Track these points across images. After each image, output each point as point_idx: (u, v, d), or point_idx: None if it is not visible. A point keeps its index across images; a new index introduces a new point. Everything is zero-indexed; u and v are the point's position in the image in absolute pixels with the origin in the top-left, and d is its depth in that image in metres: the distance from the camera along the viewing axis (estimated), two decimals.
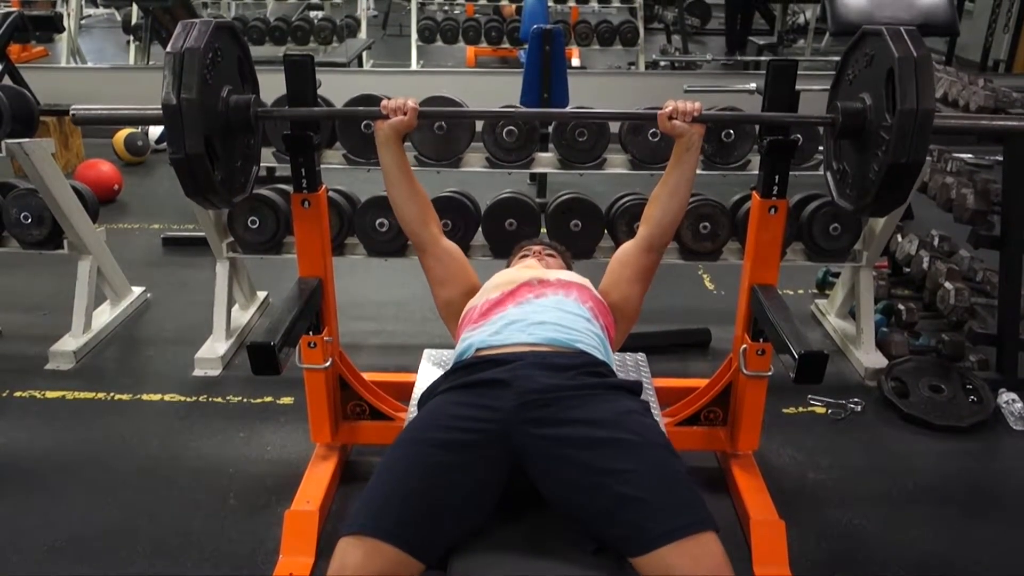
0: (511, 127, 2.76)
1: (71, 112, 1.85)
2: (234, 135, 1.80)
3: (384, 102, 1.93)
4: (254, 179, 1.97)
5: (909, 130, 1.56)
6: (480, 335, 1.82)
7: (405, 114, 1.91)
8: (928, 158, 2.77)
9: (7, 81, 4.79)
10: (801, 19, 9.16)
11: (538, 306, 1.87)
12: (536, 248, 2.28)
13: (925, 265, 3.24)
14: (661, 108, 1.89)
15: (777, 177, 1.97)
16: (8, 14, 4.88)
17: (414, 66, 7.62)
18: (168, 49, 1.61)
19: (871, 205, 1.74)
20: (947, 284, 3.07)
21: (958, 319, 3.07)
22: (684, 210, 2.04)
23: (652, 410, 2.00)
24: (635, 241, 2.08)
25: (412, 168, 2.78)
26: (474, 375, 1.69)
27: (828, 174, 1.96)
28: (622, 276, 2.07)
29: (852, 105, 1.75)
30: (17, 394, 2.84)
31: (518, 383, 1.60)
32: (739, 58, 7.72)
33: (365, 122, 2.72)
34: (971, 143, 2.90)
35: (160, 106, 1.60)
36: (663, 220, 2.01)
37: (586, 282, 2.06)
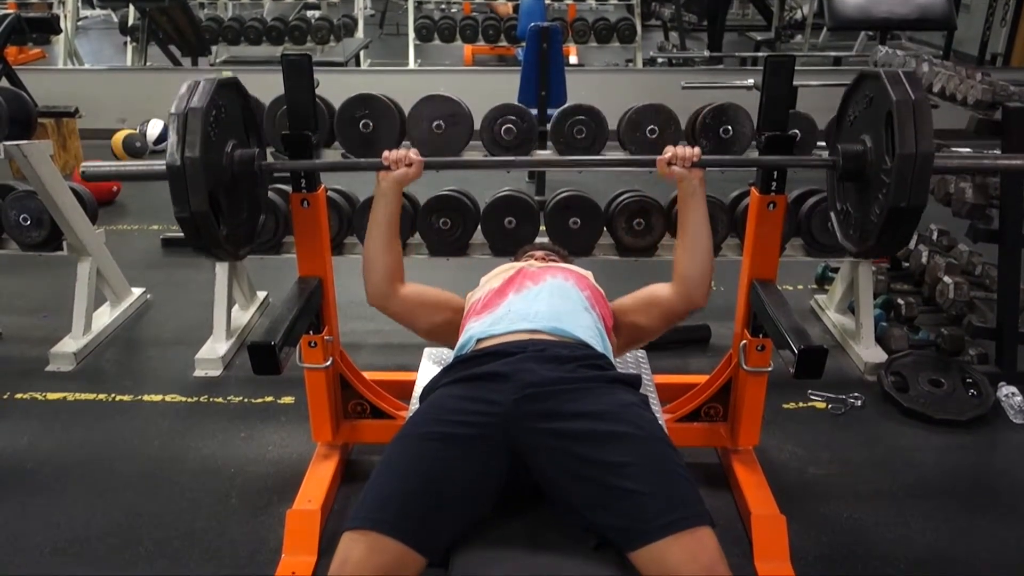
0: (509, 125, 2.76)
1: (81, 170, 1.86)
2: (239, 189, 1.81)
3: (386, 154, 1.91)
4: (261, 228, 1.98)
5: (909, 174, 1.56)
6: (481, 325, 1.84)
7: (409, 165, 1.90)
8: None
9: (4, 83, 4.80)
10: (799, 14, 9.15)
11: (536, 292, 1.90)
12: (539, 254, 2.30)
13: (924, 259, 3.24)
14: (660, 154, 1.89)
15: (776, 173, 1.97)
16: (5, 16, 4.88)
17: (411, 65, 7.62)
18: (172, 110, 1.63)
19: (874, 248, 1.75)
20: (946, 278, 3.08)
21: (957, 313, 3.07)
22: (712, 257, 1.93)
23: (652, 405, 2.01)
24: (673, 290, 1.97)
25: None
26: (474, 368, 1.69)
27: (832, 214, 1.97)
28: (648, 311, 2.01)
29: (853, 148, 1.76)
30: (18, 396, 2.84)
31: (518, 376, 1.61)
32: (720, 54, 7.71)
33: (364, 121, 2.72)
34: (969, 137, 2.89)
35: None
36: (694, 275, 1.91)
37: (586, 273, 2.07)
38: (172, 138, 1.60)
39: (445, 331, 2.04)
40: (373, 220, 1.97)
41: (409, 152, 1.91)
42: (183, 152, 1.59)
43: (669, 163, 1.87)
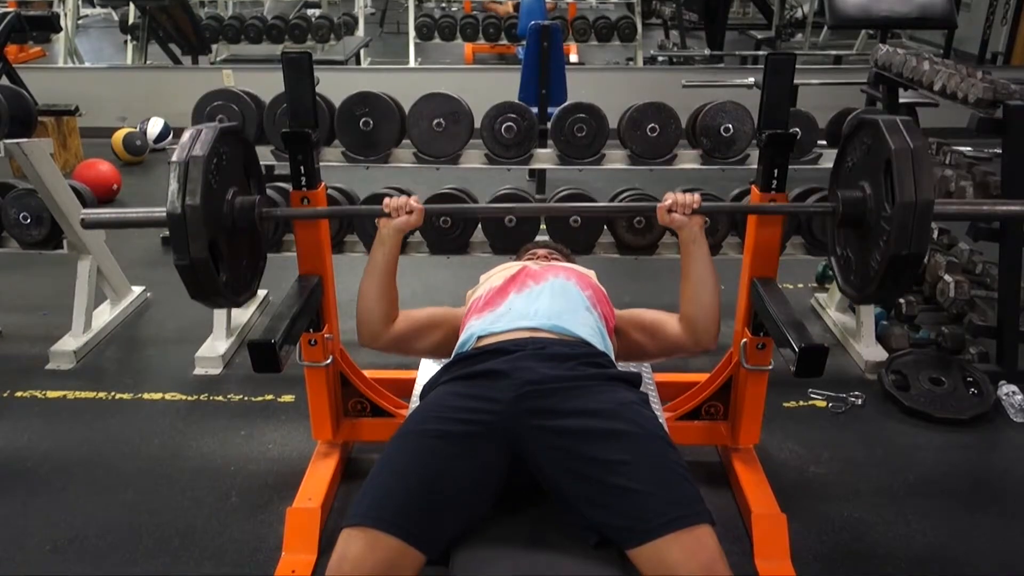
0: (510, 123, 2.76)
1: (81, 218, 1.86)
2: (239, 236, 1.81)
3: (387, 201, 1.90)
4: (260, 275, 1.98)
5: (909, 222, 1.56)
6: (482, 323, 1.84)
7: (410, 213, 1.89)
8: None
9: (5, 81, 4.80)
10: (799, 13, 9.15)
11: (538, 291, 1.90)
12: (541, 252, 2.29)
13: (925, 258, 3.24)
14: (660, 201, 1.87)
15: (776, 171, 1.97)
16: (5, 14, 4.88)
17: (412, 63, 7.61)
18: (174, 158, 1.62)
19: (874, 295, 1.75)
20: (947, 277, 3.07)
21: (958, 312, 3.07)
22: (718, 301, 1.90)
23: (652, 404, 2.01)
24: (681, 329, 1.95)
25: (412, 166, 2.82)
26: (474, 366, 1.70)
27: (832, 259, 1.96)
28: (654, 337, 2.00)
29: (852, 194, 1.75)
30: (18, 394, 2.84)
31: (517, 374, 1.61)
32: (721, 53, 7.71)
33: (364, 119, 2.72)
34: (969, 136, 2.89)
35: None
36: (701, 319, 1.89)
37: (589, 273, 2.07)
38: (173, 185, 1.60)
39: (443, 348, 2.04)
40: (372, 265, 1.95)
41: (410, 200, 1.89)
42: (183, 200, 1.59)
43: (669, 210, 1.85)
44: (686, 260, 1.90)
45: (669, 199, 1.86)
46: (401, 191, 2.92)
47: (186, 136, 1.67)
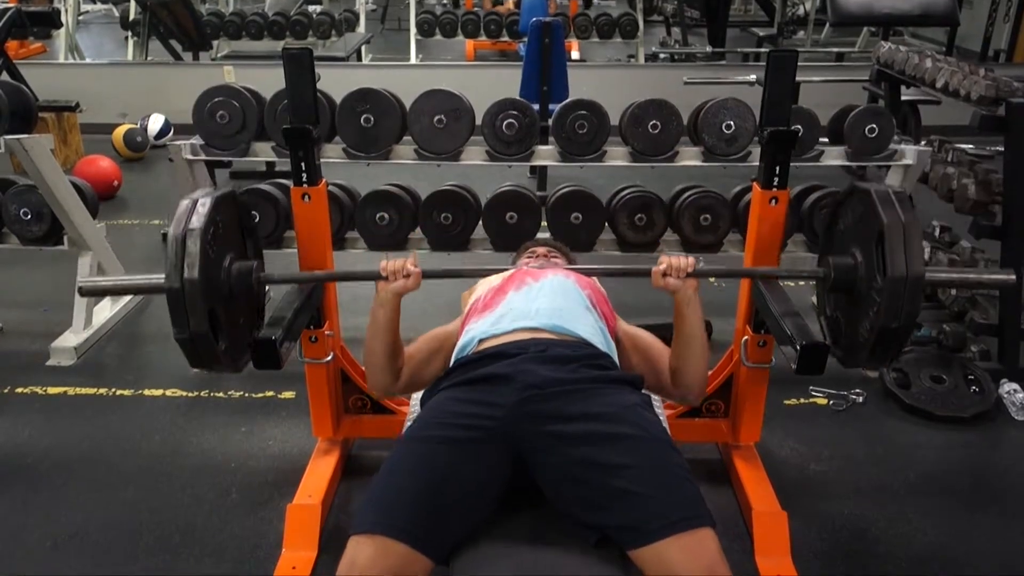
0: (511, 120, 2.75)
1: (78, 287, 1.85)
2: (237, 301, 1.79)
3: (383, 264, 1.86)
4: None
5: (900, 296, 1.58)
6: (482, 325, 1.84)
7: (407, 276, 1.85)
8: (929, 148, 2.77)
9: (5, 77, 4.79)
10: (801, 10, 9.13)
11: (537, 289, 1.89)
12: (541, 250, 2.29)
13: (926, 256, 3.24)
14: (655, 266, 1.83)
15: (778, 168, 1.97)
16: (6, 10, 4.88)
17: (413, 60, 7.60)
18: (171, 231, 1.60)
19: (865, 362, 1.78)
20: None
21: (959, 309, 3.07)
22: (706, 363, 1.88)
23: (654, 402, 2.01)
24: (670, 378, 1.91)
25: (413, 162, 2.81)
26: (476, 371, 1.69)
27: (822, 319, 1.98)
28: (645, 363, 1.96)
29: (844, 261, 1.77)
30: (19, 390, 2.84)
31: (519, 378, 1.61)
32: (723, 50, 7.70)
33: (365, 116, 2.71)
34: (972, 134, 2.88)
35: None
36: (688, 377, 1.87)
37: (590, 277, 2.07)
38: (170, 259, 1.58)
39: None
40: (374, 326, 1.90)
41: (407, 263, 1.85)
42: (182, 273, 1.57)
43: (664, 274, 1.82)
44: (679, 322, 1.85)
45: (664, 263, 1.82)
46: (402, 188, 2.93)
47: (182, 207, 1.64)
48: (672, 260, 1.82)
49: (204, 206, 1.63)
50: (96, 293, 1.88)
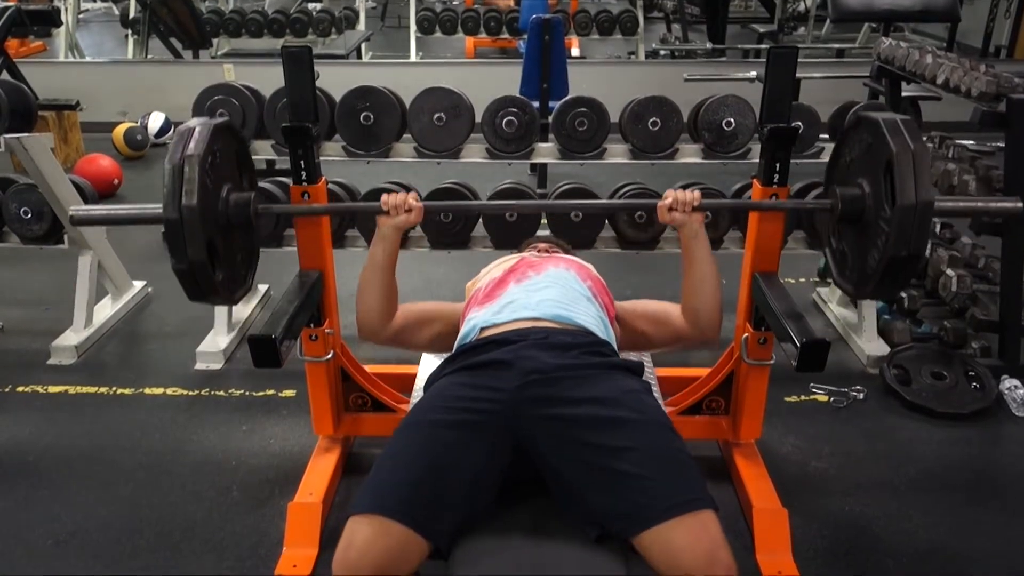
0: (511, 117, 2.75)
1: (71, 215, 1.82)
2: (235, 232, 1.79)
3: (384, 198, 1.87)
4: (255, 271, 1.96)
5: (909, 224, 1.56)
6: (484, 314, 1.85)
7: (409, 211, 1.87)
8: (930, 145, 2.76)
9: (5, 76, 4.79)
10: (801, 6, 9.12)
11: (538, 281, 1.91)
12: (542, 246, 2.29)
13: (927, 252, 3.23)
14: (660, 199, 1.87)
15: (778, 165, 1.96)
16: (6, 9, 4.88)
17: (413, 58, 7.60)
18: (167, 162, 1.59)
19: (872, 293, 1.76)
20: (949, 271, 3.07)
21: (960, 306, 3.06)
22: (720, 295, 1.93)
23: (654, 392, 2.01)
24: (684, 321, 1.97)
25: (412, 159, 2.81)
26: (477, 356, 1.70)
27: (827, 251, 1.96)
28: (659, 327, 2.01)
29: (851, 192, 1.75)
30: (20, 389, 2.84)
31: (520, 363, 1.62)
32: (723, 47, 7.68)
33: (364, 113, 2.71)
34: (973, 130, 2.88)
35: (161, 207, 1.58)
36: (703, 311, 1.92)
37: (587, 265, 2.07)
38: (168, 187, 1.57)
39: (441, 342, 2.04)
40: (372, 262, 1.94)
41: (408, 198, 1.87)
42: (180, 202, 1.56)
43: (670, 208, 1.85)
44: (687, 256, 1.90)
45: (669, 197, 1.86)
46: (402, 186, 2.92)
47: (179, 134, 1.63)
48: (678, 194, 1.86)
49: (202, 134, 1.62)
50: (89, 222, 1.84)
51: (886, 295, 1.77)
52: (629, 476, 1.45)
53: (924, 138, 1.94)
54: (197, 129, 1.63)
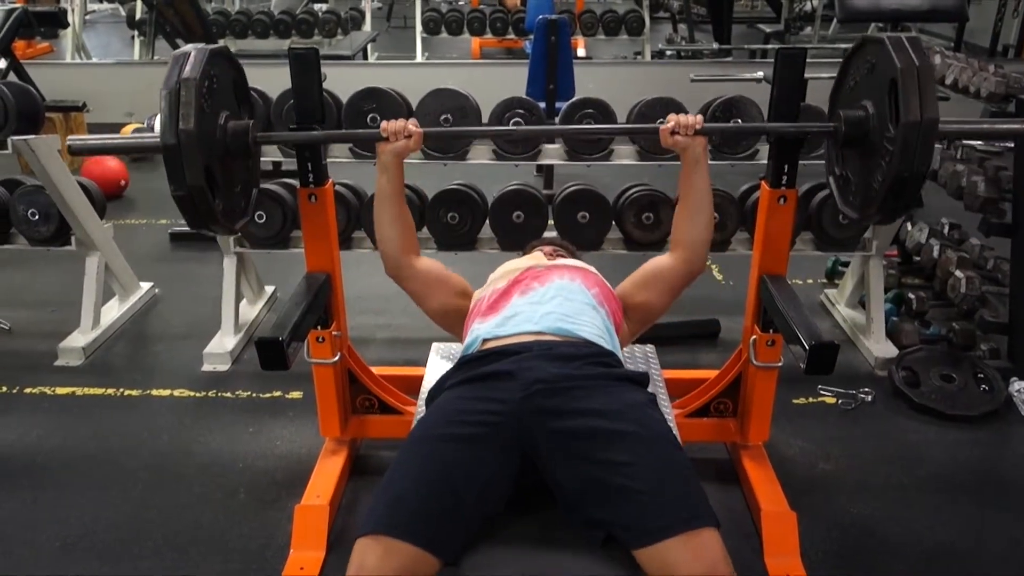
0: (518, 119, 2.75)
1: (68, 144, 1.81)
2: (233, 161, 1.78)
3: (384, 124, 1.88)
4: (254, 202, 1.95)
5: (914, 142, 1.55)
6: (487, 327, 1.83)
7: (408, 137, 1.88)
8: (938, 146, 2.75)
9: (12, 78, 4.81)
10: (808, 6, 9.10)
11: (542, 293, 1.88)
12: (547, 248, 2.29)
13: (935, 253, 3.22)
14: (663, 123, 1.88)
15: (786, 166, 1.96)
16: (13, 10, 4.89)
17: (419, 58, 7.60)
18: (163, 86, 1.57)
19: (876, 215, 1.73)
20: (958, 272, 3.05)
21: (969, 308, 3.05)
22: (712, 227, 1.97)
23: (661, 402, 2.00)
24: (672, 258, 1.99)
25: (419, 161, 2.81)
26: (480, 368, 1.69)
27: (831, 179, 1.95)
28: (654, 286, 2.01)
29: (854, 114, 1.73)
30: (27, 390, 2.85)
31: (524, 374, 1.61)
32: (729, 47, 7.66)
33: (371, 115, 2.71)
34: None
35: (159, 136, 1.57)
36: (695, 241, 1.95)
37: (593, 270, 2.06)
38: (165, 112, 1.55)
39: (454, 316, 2.04)
40: (379, 192, 1.97)
41: (408, 123, 1.88)
42: (177, 126, 1.54)
43: (672, 132, 1.86)
44: (687, 181, 1.92)
45: (672, 121, 1.87)
46: (409, 187, 2.92)
47: (174, 58, 1.61)
48: (680, 118, 1.87)
49: (197, 58, 1.60)
50: (86, 152, 1.83)
51: (890, 218, 1.75)
52: (629, 491, 1.44)
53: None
54: (192, 54, 1.61)
